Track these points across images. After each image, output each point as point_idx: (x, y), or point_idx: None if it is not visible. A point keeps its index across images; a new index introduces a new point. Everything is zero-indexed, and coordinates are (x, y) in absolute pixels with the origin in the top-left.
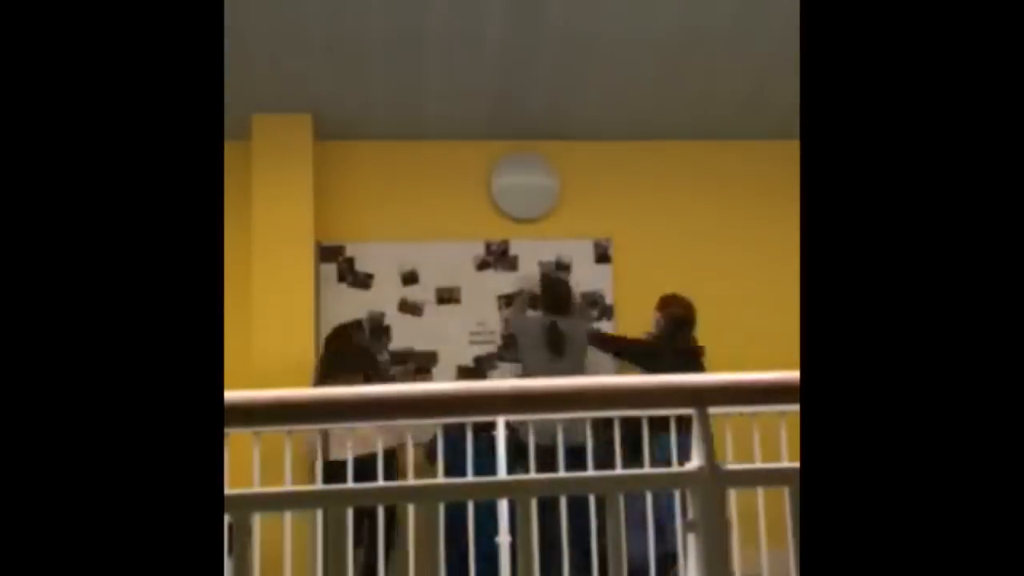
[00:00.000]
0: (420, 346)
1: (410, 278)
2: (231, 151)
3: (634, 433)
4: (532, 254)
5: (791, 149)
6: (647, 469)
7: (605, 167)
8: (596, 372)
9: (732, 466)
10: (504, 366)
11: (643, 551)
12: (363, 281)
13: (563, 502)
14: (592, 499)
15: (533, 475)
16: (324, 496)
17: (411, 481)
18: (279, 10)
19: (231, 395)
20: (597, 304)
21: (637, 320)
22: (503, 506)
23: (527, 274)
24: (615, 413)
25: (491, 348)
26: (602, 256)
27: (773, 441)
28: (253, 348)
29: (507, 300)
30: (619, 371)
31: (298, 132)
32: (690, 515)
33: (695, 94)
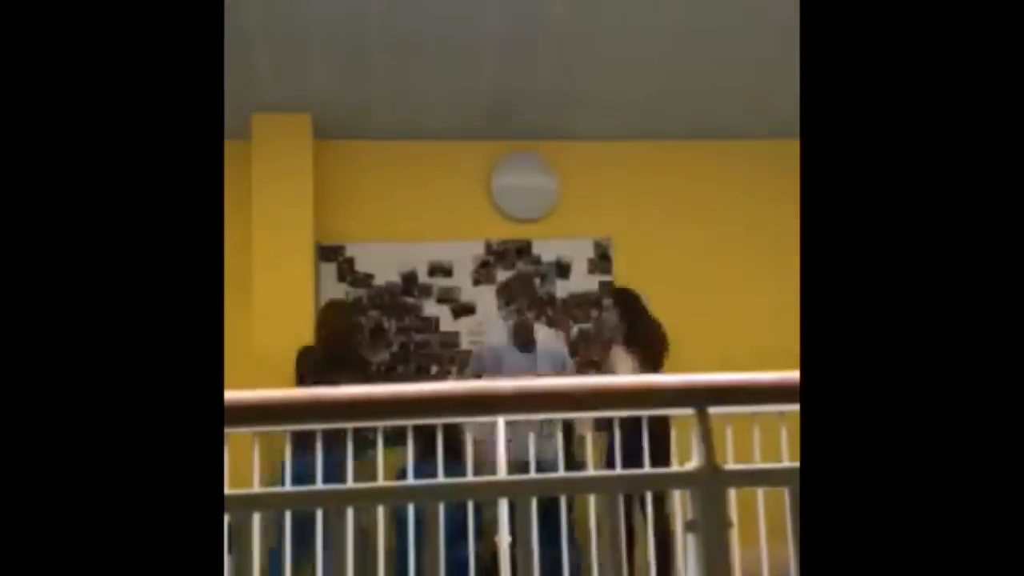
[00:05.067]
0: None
1: (410, 278)
2: (231, 150)
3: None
4: (532, 254)
5: (791, 149)
6: (647, 469)
7: (605, 167)
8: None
9: (732, 466)
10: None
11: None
12: (363, 281)
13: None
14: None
15: (533, 475)
16: (324, 496)
17: (411, 481)
18: (279, 10)
19: (231, 395)
20: (597, 304)
21: None
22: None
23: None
24: (615, 413)
25: None
26: (602, 256)
27: (773, 441)
28: (253, 348)
29: (505, 298)
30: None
31: (298, 131)
32: (690, 515)
33: (695, 94)
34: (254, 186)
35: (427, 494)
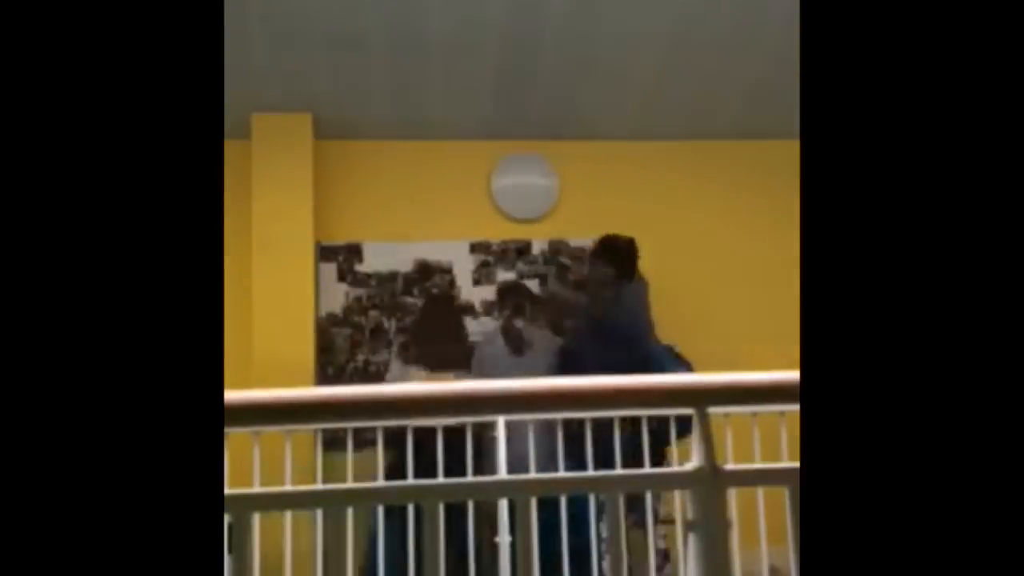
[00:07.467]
0: None
1: (410, 278)
2: (231, 150)
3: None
4: (532, 254)
5: (791, 149)
6: (647, 469)
7: (605, 167)
8: None
9: (732, 466)
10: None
11: None
12: (363, 281)
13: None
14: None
15: (533, 475)
16: (324, 496)
17: (411, 481)
18: (279, 10)
19: (231, 395)
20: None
21: None
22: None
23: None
24: (614, 413)
25: None
26: None
27: (773, 441)
28: (253, 348)
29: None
30: None
31: (298, 131)
32: (690, 515)
33: (695, 94)
34: (254, 186)
35: (427, 494)
